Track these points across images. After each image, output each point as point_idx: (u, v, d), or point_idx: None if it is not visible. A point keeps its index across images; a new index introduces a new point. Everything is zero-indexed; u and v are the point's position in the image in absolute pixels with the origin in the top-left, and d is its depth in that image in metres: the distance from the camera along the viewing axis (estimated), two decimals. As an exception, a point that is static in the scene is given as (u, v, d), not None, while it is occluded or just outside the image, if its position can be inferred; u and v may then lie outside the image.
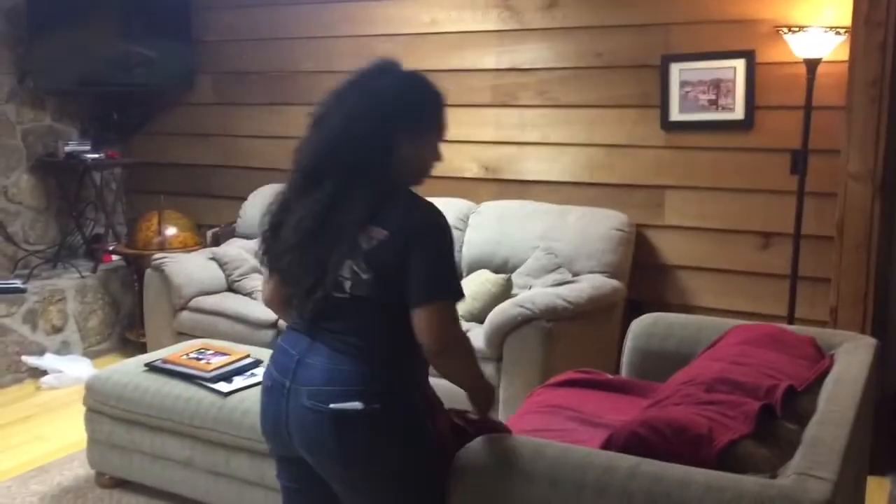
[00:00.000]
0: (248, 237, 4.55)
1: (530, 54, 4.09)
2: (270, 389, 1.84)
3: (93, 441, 3.15)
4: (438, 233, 1.75)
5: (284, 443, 1.83)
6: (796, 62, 3.37)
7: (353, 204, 1.72)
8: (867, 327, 3.22)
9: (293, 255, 1.79)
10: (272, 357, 1.89)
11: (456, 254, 3.87)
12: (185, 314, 4.11)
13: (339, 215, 1.73)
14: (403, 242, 1.70)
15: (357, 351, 1.75)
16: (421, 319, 1.71)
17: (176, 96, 5.12)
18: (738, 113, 3.63)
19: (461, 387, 1.87)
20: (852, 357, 2.31)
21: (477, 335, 3.29)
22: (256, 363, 3.05)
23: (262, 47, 4.82)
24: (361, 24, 4.49)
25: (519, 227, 3.90)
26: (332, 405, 1.72)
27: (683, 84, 3.72)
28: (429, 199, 1.80)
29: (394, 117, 1.76)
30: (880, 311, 3.40)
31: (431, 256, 1.72)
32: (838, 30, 3.25)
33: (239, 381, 2.93)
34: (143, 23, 4.85)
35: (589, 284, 3.58)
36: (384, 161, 1.75)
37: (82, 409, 3.16)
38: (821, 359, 2.35)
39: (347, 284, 1.74)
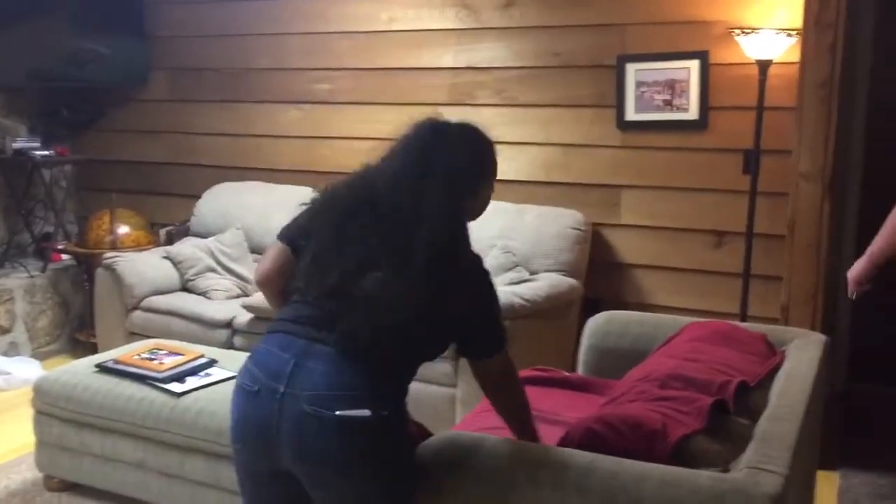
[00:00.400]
0: (202, 235, 4.49)
1: (488, 53, 4.09)
2: (256, 394, 1.74)
3: (41, 444, 3.08)
4: (489, 282, 1.82)
5: (268, 452, 1.75)
6: (749, 63, 3.42)
7: (411, 242, 1.74)
8: (817, 324, 3.28)
9: (333, 249, 1.78)
10: (255, 361, 1.80)
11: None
12: (137, 314, 4.04)
13: (396, 250, 1.74)
14: (452, 287, 1.74)
15: (365, 354, 1.71)
16: (489, 369, 1.85)
17: (128, 92, 5.03)
18: (693, 113, 3.68)
19: (510, 421, 1.93)
20: (803, 353, 2.35)
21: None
22: (210, 363, 3.01)
23: (217, 43, 4.76)
24: (317, 21, 4.46)
25: (476, 226, 3.84)
26: (337, 412, 1.68)
27: (639, 84, 3.75)
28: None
29: (472, 181, 1.86)
30: (830, 309, 3.47)
31: (489, 309, 1.83)
32: (789, 32, 3.31)
33: (193, 382, 2.88)
34: (94, 17, 4.75)
35: (546, 283, 3.60)
36: (449, 215, 1.80)
37: (30, 412, 3.08)
38: (772, 355, 2.39)
39: (384, 297, 1.72)
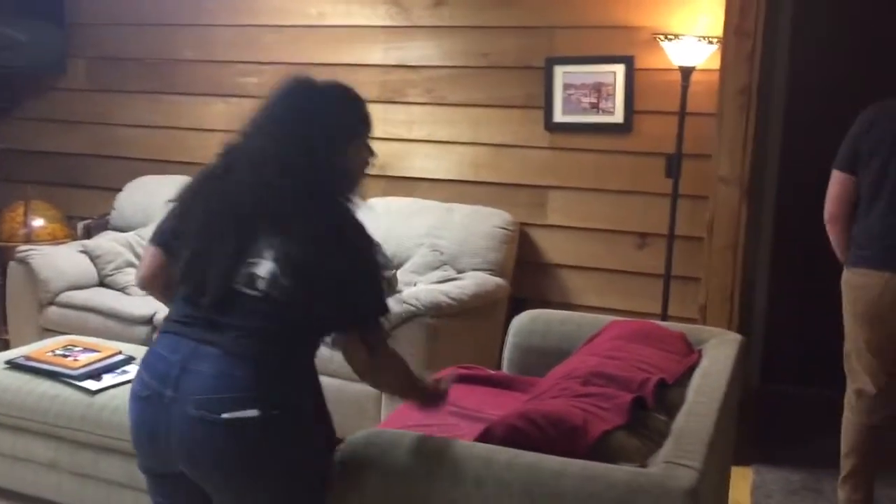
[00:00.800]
0: (121, 230, 4.37)
1: (418, 51, 4.09)
2: (146, 399, 1.72)
3: (-54, 444, 2.95)
4: (362, 248, 1.73)
5: (161, 456, 1.73)
6: (672, 69, 3.50)
7: (282, 210, 1.70)
8: (733, 324, 3.38)
9: (205, 243, 1.73)
10: (144, 364, 1.77)
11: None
12: (52, 309, 3.90)
13: (266, 222, 1.70)
14: (326, 254, 1.68)
15: (255, 353, 1.68)
16: (347, 341, 1.73)
17: (46, 81, 4.86)
18: (618, 116, 3.74)
19: (398, 392, 1.92)
20: (719, 352, 2.42)
21: (360, 331, 3.26)
22: (128, 360, 2.93)
23: (140, 33, 4.64)
24: (245, 13, 4.39)
25: (405, 224, 3.90)
26: (224, 415, 1.64)
27: (566, 86, 3.80)
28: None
29: (328, 135, 1.77)
30: (746, 310, 3.58)
31: (355, 274, 1.71)
32: (711, 39, 3.40)
33: (109, 379, 2.80)
34: (10, 2, 4.58)
35: (473, 282, 3.61)
36: (320, 177, 1.74)
37: (-66, 410, 2.95)
38: (690, 353, 2.45)
39: (262, 283, 1.68)
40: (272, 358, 1.69)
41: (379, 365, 1.79)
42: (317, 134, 1.75)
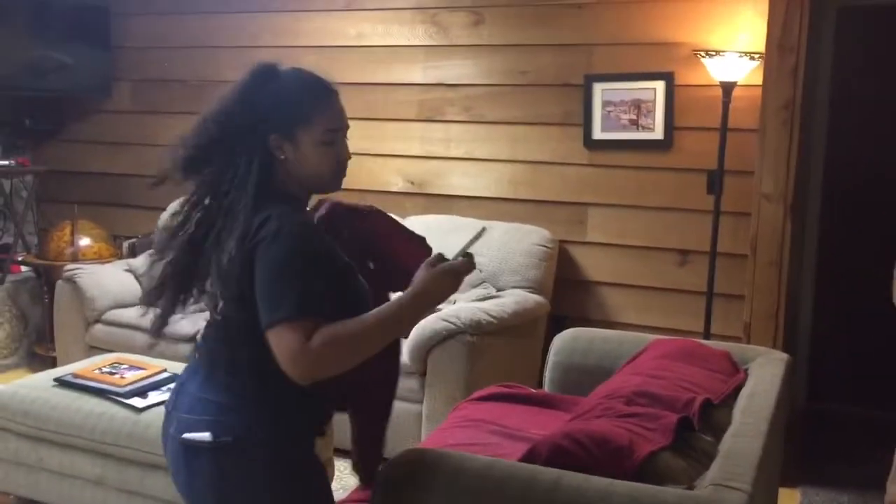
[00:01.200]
0: (166, 249, 4.43)
1: (456, 70, 4.11)
2: (165, 415, 1.79)
3: (-4, 460, 3.01)
4: (276, 244, 1.54)
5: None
6: (713, 85, 3.47)
7: (229, 215, 1.60)
8: (779, 343, 3.33)
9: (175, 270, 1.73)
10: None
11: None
12: (98, 327, 3.97)
13: (217, 224, 1.62)
14: (248, 258, 1.56)
15: (226, 379, 1.66)
16: (271, 346, 1.55)
17: (92, 103, 4.97)
18: (658, 133, 3.72)
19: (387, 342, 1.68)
20: (765, 371, 2.38)
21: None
22: (173, 378, 2.96)
23: (185, 55, 4.73)
24: (287, 35, 4.45)
25: (442, 242, 3.86)
26: (184, 434, 1.66)
27: (606, 104, 3.79)
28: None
29: (262, 113, 1.62)
30: (791, 327, 3.52)
31: (266, 272, 1.55)
32: (752, 55, 3.37)
33: (155, 397, 2.84)
34: (58, 27, 4.69)
35: (512, 299, 3.61)
36: (258, 163, 1.61)
37: (-14, 427, 3.02)
38: (736, 373, 2.41)
39: (220, 304, 1.67)
40: (241, 385, 1.65)
41: (305, 374, 1.54)
42: (224, 123, 1.63)
